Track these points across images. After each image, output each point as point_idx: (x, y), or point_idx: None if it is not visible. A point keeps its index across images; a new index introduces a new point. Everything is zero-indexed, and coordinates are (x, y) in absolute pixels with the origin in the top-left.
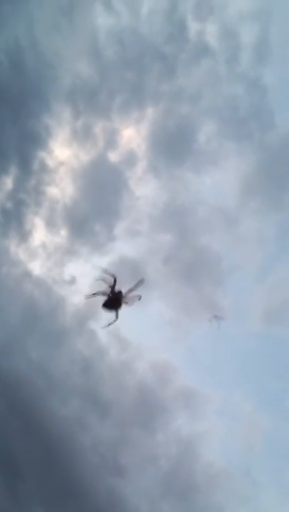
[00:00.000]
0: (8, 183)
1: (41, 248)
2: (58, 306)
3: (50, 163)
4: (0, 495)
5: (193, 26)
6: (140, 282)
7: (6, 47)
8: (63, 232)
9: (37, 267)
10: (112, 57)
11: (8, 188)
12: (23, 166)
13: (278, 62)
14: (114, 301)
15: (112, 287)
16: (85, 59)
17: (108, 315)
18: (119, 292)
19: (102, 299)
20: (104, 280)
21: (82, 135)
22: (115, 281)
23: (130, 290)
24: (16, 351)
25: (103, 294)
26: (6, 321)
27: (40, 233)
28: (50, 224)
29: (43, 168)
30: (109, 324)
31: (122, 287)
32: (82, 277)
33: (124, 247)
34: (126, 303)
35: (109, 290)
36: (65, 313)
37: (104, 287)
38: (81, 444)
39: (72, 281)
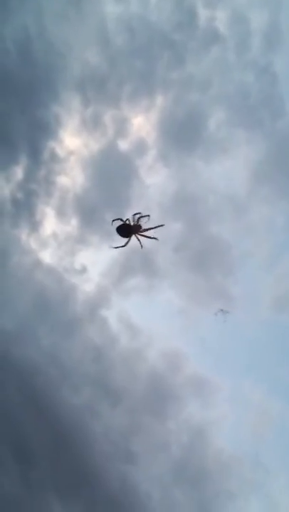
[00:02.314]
0: (19, 173)
1: (52, 237)
2: (69, 294)
3: (60, 152)
4: (13, 482)
5: (202, 13)
6: (159, 226)
7: (14, 36)
8: (74, 222)
9: (48, 256)
10: (121, 46)
11: (19, 178)
12: (33, 155)
13: None
14: (127, 229)
15: (136, 220)
16: (93, 47)
17: (120, 240)
18: (138, 226)
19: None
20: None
21: (92, 124)
22: (141, 218)
23: (148, 229)
24: (28, 340)
25: (124, 220)
26: (17, 309)
27: (50, 222)
28: (61, 213)
29: (53, 157)
30: (116, 247)
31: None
32: (93, 266)
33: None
34: (137, 237)
35: (131, 220)
36: (76, 301)
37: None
38: (93, 432)
39: (83, 270)
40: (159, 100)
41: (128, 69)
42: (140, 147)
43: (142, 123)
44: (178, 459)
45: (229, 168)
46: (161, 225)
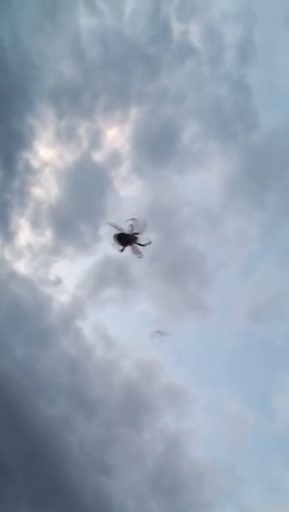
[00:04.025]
0: None
1: (26, 248)
2: (43, 305)
3: (35, 163)
4: None
5: (176, 27)
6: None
7: None
8: (48, 233)
9: (22, 267)
10: (95, 58)
11: None
12: (7, 166)
13: (262, 63)
14: (126, 238)
15: (131, 231)
16: (68, 59)
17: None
18: (134, 235)
19: (117, 231)
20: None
21: (66, 135)
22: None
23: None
24: (2, 351)
25: (120, 229)
26: None
27: (25, 234)
28: (35, 224)
29: (28, 168)
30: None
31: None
32: (67, 277)
33: (110, 247)
34: (134, 246)
35: (127, 230)
36: (51, 312)
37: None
38: (68, 443)
39: (58, 281)
40: (134, 113)
41: (102, 81)
42: (114, 159)
43: (116, 135)
44: (153, 469)
45: (204, 180)
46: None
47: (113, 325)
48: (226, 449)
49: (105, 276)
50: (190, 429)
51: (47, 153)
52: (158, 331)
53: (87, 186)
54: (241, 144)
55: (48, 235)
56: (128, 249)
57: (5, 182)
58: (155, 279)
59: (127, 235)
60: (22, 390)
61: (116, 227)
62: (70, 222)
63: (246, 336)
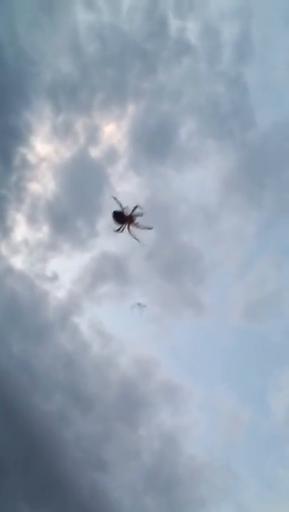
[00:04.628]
0: None
1: (23, 244)
2: (40, 301)
3: (31, 159)
4: None
5: (174, 23)
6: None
7: None
8: (45, 228)
9: (19, 263)
10: (92, 54)
11: None
12: (3, 161)
13: (259, 60)
14: (123, 216)
15: (132, 211)
16: (65, 55)
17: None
18: (131, 218)
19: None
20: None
21: (63, 131)
22: (135, 208)
23: (138, 226)
24: None
25: (120, 207)
26: None
27: (21, 229)
28: (32, 220)
29: (24, 164)
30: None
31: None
32: (64, 273)
33: (107, 243)
34: (131, 224)
35: (127, 210)
36: (47, 308)
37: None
38: (64, 439)
39: (55, 276)
40: (131, 109)
41: (100, 77)
42: (111, 155)
43: (113, 131)
44: (149, 466)
45: (200, 178)
46: (150, 228)
47: (110, 321)
48: (222, 446)
49: (102, 273)
50: (186, 426)
51: (44, 148)
52: (138, 303)
53: (84, 182)
54: (238, 142)
55: (44, 230)
56: (126, 231)
57: (1, 177)
58: (152, 275)
59: (124, 214)
60: (18, 385)
61: (119, 204)
62: (66, 217)
63: (243, 334)
